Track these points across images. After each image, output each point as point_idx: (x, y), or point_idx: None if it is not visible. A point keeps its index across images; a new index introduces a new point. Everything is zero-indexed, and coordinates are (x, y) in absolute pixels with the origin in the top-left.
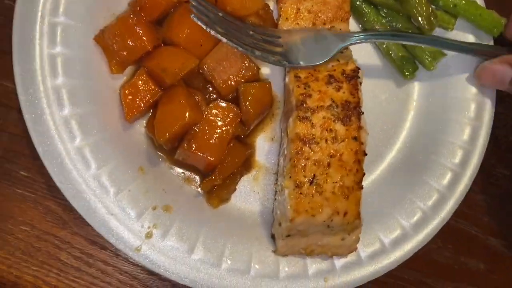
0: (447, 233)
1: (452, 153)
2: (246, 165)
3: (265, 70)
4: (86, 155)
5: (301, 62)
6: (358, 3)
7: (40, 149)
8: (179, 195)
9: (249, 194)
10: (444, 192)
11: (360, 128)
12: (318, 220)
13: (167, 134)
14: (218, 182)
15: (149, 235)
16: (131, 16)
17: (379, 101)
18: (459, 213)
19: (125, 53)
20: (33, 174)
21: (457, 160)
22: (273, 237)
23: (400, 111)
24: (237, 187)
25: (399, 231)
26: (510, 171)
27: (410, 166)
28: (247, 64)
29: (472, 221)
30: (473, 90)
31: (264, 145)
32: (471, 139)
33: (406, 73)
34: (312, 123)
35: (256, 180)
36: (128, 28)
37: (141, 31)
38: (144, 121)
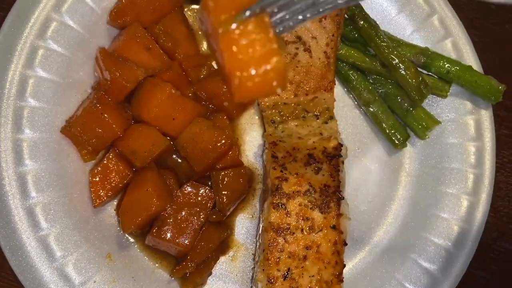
0: None
1: (446, 231)
2: (223, 247)
3: (246, 136)
4: (51, 244)
5: None
6: (344, 69)
7: (1, 241)
8: (149, 283)
9: (227, 277)
10: (437, 275)
11: (339, 215)
12: None
13: (132, 226)
14: (191, 269)
15: None
16: (96, 104)
17: (368, 171)
18: None
19: (95, 141)
20: None
21: (452, 238)
22: None
23: (391, 182)
24: (213, 270)
25: None
26: None
27: (400, 245)
28: (218, 137)
29: None
30: (471, 160)
31: (243, 223)
32: (468, 215)
33: (397, 143)
34: (287, 211)
35: (234, 261)
36: (95, 117)
37: (108, 118)
38: (115, 202)
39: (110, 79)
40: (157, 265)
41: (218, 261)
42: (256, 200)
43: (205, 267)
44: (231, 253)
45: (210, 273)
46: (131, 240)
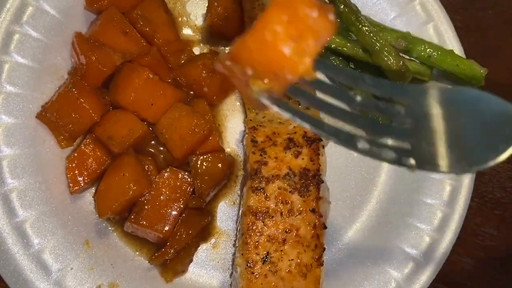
0: None
1: (430, 216)
2: (204, 233)
3: (227, 122)
4: (27, 231)
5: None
6: (326, 55)
7: None
8: (129, 270)
9: (208, 264)
10: (420, 260)
11: (319, 198)
12: None
13: (108, 212)
14: (170, 256)
15: None
16: (72, 89)
17: (351, 157)
18: (440, 278)
19: (72, 127)
20: None
21: (435, 223)
22: None
23: (373, 167)
24: (194, 257)
25: None
26: (497, 230)
27: (383, 231)
28: (197, 122)
29: (456, 287)
30: None
31: (225, 209)
32: (450, 199)
33: None
34: (266, 195)
35: (215, 248)
36: (71, 102)
37: (85, 103)
38: (94, 189)
39: (86, 64)
40: (137, 253)
41: (199, 248)
42: (237, 187)
43: (185, 254)
44: (212, 240)
45: (191, 260)
46: (110, 227)
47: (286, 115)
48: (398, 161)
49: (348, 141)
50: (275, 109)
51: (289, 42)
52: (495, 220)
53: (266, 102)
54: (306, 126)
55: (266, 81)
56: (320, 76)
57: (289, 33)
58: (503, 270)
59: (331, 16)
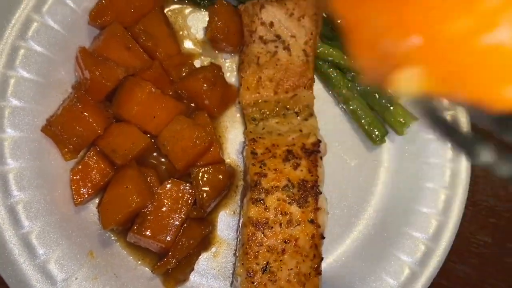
0: None
1: (425, 225)
2: (205, 243)
3: (228, 134)
4: (33, 242)
5: None
6: (323, 66)
7: None
8: (131, 279)
9: (209, 273)
10: (415, 268)
11: (317, 209)
12: None
13: (112, 223)
14: (172, 265)
15: None
16: (76, 103)
17: (348, 167)
18: (436, 286)
19: (76, 140)
20: None
21: (430, 232)
22: None
23: (370, 177)
24: (195, 266)
25: None
26: (491, 238)
27: (380, 239)
28: (198, 135)
29: None
30: (448, 154)
31: (225, 219)
32: (445, 209)
33: (375, 139)
34: (266, 206)
35: (216, 257)
36: (75, 116)
37: (89, 117)
38: (97, 200)
39: (90, 78)
40: (139, 262)
41: (200, 257)
42: (238, 197)
43: (187, 263)
44: (213, 249)
45: (192, 269)
46: (113, 237)
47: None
48: None
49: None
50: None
51: None
52: (489, 228)
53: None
54: None
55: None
56: None
57: None
58: (496, 277)
59: None
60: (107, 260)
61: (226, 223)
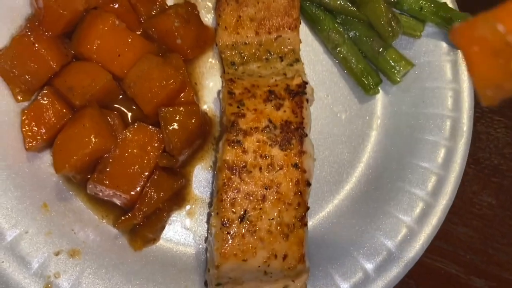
0: (422, 273)
1: (423, 180)
2: (178, 198)
3: (204, 80)
4: None
5: None
6: (311, 8)
7: None
8: (93, 236)
9: (182, 233)
10: (413, 226)
11: (302, 153)
12: (252, 266)
13: (66, 166)
14: (138, 220)
15: (48, 287)
16: (28, 33)
17: (339, 120)
18: (436, 250)
19: (28, 78)
20: None
21: (429, 188)
22: (206, 284)
23: (362, 131)
24: (167, 224)
25: (361, 274)
26: (495, 199)
27: (374, 196)
28: (169, 73)
29: (452, 259)
30: (448, 104)
31: (202, 174)
32: (445, 163)
33: (368, 88)
34: (244, 148)
35: (190, 215)
36: (27, 49)
37: (43, 50)
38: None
39: (44, 7)
40: (103, 220)
41: (173, 216)
42: (215, 151)
43: (156, 220)
44: (187, 207)
45: (163, 227)
46: (72, 192)
47: None
48: None
49: None
50: None
51: None
52: (492, 188)
53: None
54: None
55: None
56: None
57: None
58: (501, 241)
59: None
60: (64, 214)
61: (202, 178)
